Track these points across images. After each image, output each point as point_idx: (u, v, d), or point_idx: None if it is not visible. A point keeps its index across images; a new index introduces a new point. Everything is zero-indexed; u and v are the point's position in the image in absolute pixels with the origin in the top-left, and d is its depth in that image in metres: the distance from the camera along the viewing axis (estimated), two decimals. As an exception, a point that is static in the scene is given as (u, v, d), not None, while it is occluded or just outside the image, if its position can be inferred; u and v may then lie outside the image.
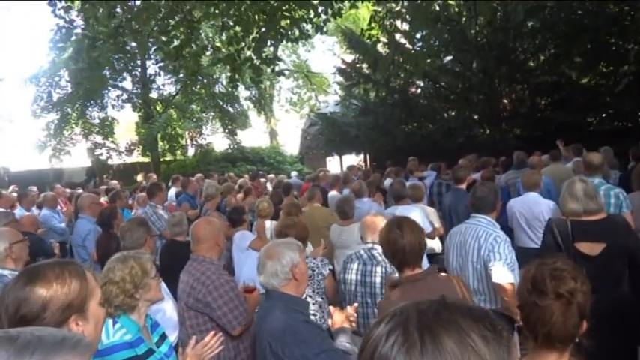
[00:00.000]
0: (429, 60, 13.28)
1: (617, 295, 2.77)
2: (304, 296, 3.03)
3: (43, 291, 1.34)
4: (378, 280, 3.49)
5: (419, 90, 15.71)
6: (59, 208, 7.80)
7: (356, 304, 2.61)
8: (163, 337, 2.42)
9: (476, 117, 13.76)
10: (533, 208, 4.71)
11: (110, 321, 2.15)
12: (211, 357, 2.29)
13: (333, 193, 7.67)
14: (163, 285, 3.24)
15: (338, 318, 2.43)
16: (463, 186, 5.82)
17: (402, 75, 14.25)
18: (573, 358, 1.56)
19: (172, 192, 9.32)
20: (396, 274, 3.45)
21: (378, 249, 3.60)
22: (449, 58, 14.30)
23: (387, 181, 7.88)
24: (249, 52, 8.75)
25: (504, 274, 2.93)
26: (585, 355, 1.54)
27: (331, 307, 2.59)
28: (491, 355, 0.68)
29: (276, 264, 2.35)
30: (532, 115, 12.76)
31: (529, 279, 1.58)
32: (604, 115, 12.42)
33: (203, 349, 2.21)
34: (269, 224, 5.25)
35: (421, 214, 4.94)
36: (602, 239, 2.96)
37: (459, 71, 13.89)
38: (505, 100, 13.96)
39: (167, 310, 3.15)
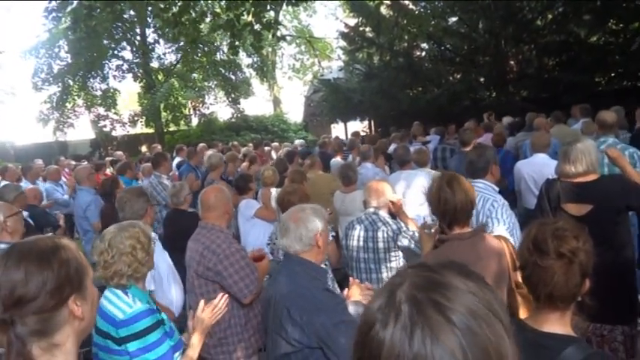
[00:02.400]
0: (433, 21, 12.97)
1: (608, 257, 2.73)
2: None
3: (41, 269, 1.20)
4: (380, 245, 3.48)
5: (423, 53, 15.40)
6: (63, 180, 7.82)
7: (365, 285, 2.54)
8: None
9: (482, 79, 13.50)
10: (543, 169, 4.62)
11: (120, 292, 2.14)
12: (220, 320, 2.31)
13: (336, 160, 7.62)
14: (165, 254, 3.26)
15: (355, 292, 2.38)
16: (469, 149, 5.74)
17: (406, 38, 13.95)
18: (575, 316, 1.56)
19: (176, 162, 9.30)
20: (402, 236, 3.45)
21: (381, 214, 3.58)
22: (454, 19, 13.95)
23: (393, 146, 7.81)
24: (249, 18, 8.56)
25: (503, 238, 2.91)
26: (588, 314, 1.54)
27: (351, 279, 2.57)
28: (489, 296, 0.71)
29: (301, 228, 2.26)
30: (539, 76, 12.50)
31: (530, 239, 1.55)
32: (613, 75, 12.16)
33: (212, 312, 2.23)
34: (274, 192, 5.23)
35: (427, 179, 4.90)
36: (590, 200, 2.92)
37: (464, 32, 13.57)
38: (511, 62, 13.67)
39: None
